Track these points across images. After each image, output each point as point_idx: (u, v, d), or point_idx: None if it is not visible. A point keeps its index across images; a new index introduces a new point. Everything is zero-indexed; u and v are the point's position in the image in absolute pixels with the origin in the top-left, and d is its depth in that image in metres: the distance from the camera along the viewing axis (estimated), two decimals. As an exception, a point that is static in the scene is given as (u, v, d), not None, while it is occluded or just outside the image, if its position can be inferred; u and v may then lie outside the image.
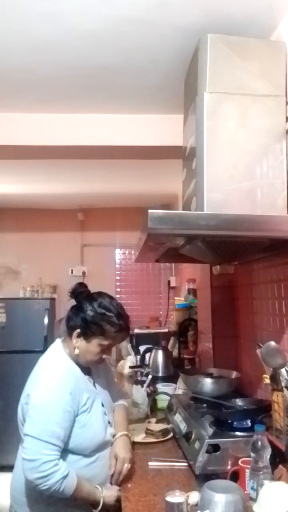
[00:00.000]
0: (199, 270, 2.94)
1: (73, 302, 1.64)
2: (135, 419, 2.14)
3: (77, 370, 1.58)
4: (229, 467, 1.44)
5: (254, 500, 1.24)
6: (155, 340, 3.38)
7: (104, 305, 1.57)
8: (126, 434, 1.67)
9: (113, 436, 1.65)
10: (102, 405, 1.63)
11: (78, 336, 1.56)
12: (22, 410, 1.54)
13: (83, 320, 1.55)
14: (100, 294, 1.62)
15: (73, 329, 1.57)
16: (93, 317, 1.54)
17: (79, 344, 1.56)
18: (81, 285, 1.63)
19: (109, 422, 1.65)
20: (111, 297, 1.62)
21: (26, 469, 1.40)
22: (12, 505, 1.58)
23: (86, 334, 1.55)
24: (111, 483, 1.54)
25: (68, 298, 1.65)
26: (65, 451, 1.48)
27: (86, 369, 1.64)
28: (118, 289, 5.25)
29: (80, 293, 1.61)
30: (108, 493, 1.49)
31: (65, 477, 1.39)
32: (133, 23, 1.75)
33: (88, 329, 1.54)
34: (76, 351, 1.56)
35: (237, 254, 1.71)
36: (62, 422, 1.44)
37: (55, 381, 1.51)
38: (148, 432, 1.96)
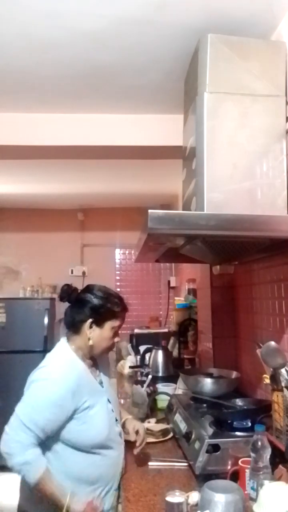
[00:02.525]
0: (199, 270, 2.94)
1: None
2: (135, 419, 2.14)
3: (82, 366, 1.59)
4: (229, 467, 1.44)
5: (254, 500, 1.24)
6: (155, 340, 3.38)
7: (103, 290, 1.65)
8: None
9: (120, 434, 1.66)
10: (109, 401, 1.63)
11: (90, 326, 1.59)
12: None
13: (92, 309, 1.60)
14: (91, 284, 1.68)
15: (83, 322, 1.60)
16: (100, 303, 1.60)
17: (92, 334, 1.59)
18: (68, 286, 1.68)
19: (116, 420, 1.65)
20: (100, 285, 1.70)
21: (1, 439, 1.45)
22: (20, 504, 1.58)
23: (98, 321, 1.59)
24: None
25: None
26: (64, 444, 1.50)
27: (94, 368, 1.66)
28: (118, 289, 5.25)
29: (73, 291, 1.66)
30: (76, 506, 1.42)
31: (25, 463, 1.41)
32: (133, 23, 1.75)
33: (99, 315, 1.59)
34: (90, 342, 1.59)
35: (237, 254, 1.71)
36: (48, 414, 1.45)
37: (57, 373, 1.53)
38: (148, 432, 1.96)
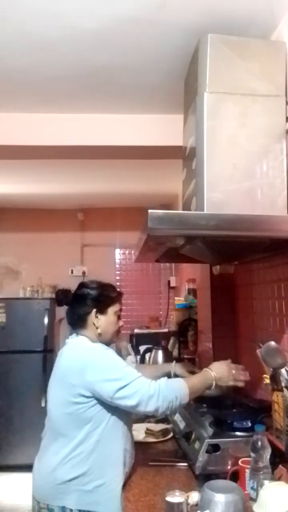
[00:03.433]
0: (199, 270, 2.94)
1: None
2: (135, 419, 2.14)
3: None
4: (229, 467, 1.44)
5: (254, 500, 1.24)
6: (155, 340, 3.38)
7: (96, 282, 1.75)
8: None
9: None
10: None
11: (96, 316, 1.66)
12: (64, 396, 1.54)
13: (93, 299, 1.68)
14: (83, 281, 1.78)
15: (88, 314, 1.67)
16: (98, 293, 1.70)
17: (99, 322, 1.66)
18: (62, 290, 1.75)
19: None
20: (91, 279, 1.81)
21: (145, 409, 1.47)
22: (40, 501, 1.53)
23: (102, 309, 1.68)
24: None
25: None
26: (111, 421, 1.53)
27: None
28: (118, 289, 5.24)
29: (68, 293, 1.74)
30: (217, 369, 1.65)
31: (166, 381, 1.52)
32: (133, 23, 1.75)
33: (101, 303, 1.68)
34: (99, 330, 1.66)
35: (237, 254, 1.71)
36: (127, 365, 1.57)
37: (99, 348, 1.60)
38: (148, 432, 1.96)
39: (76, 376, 1.52)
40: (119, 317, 1.73)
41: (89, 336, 1.65)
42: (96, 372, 1.50)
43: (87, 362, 1.53)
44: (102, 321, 1.67)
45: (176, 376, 1.98)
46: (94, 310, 1.66)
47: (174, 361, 2.06)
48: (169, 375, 1.93)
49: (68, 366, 1.58)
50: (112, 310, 1.70)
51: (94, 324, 1.65)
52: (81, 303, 1.68)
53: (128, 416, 1.60)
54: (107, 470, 1.50)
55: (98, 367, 1.52)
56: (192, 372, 2.02)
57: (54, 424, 1.57)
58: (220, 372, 1.65)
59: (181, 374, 1.96)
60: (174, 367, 1.99)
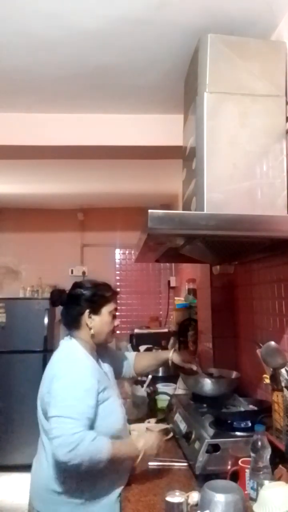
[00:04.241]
0: (199, 270, 2.94)
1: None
2: (135, 419, 2.14)
3: (93, 360, 1.61)
4: (229, 467, 1.44)
5: (254, 500, 1.24)
6: (155, 340, 3.38)
7: (90, 281, 1.72)
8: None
9: (129, 432, 1.67)
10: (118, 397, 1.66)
11: (89, 316, 1.64)
12: (42, 402, 1.54)
13: (87, 300, 1.65)
14: (77, 281, 1.75)
15: (81, 314, 1.64)
16: (92, 293, 1.67)
17: (93, 323, 1.64)
18: (57, 290, 1.73)
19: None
20: (86, 278, 1.77)
21: (55, 448, 1.38)
22: (33, 504, 1.54)
23: (95, 309, 1.65)
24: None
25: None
26: None
27: (100, 360, 1.69)
28: (118, 289, 5.24)
29: (62, 293, 1.71)
30: (145, 442, 1.53)
31: (94, 439, 1.39)
32: (133, 23, 1.75)
33: (95, 303, 1.65)
34: (92, 331, 1.63)
35: (237, 254, 1.71)
36: (89, 401, 1.46)
37: (79, 362, 1.56)
38: (148, 432, 1.96)
39: (46, 384, 1.52)
40: (114, 317, 1.70)
41: (83, 337, 1.63)
42: (56, 385, 1.47)
43: (57, 373, 1.51)
44: (96, 322, 1.64)
45: (173, 364, 1.98)
46: (88, 310, 1.64)
47: (173, 349, 2.03)
48: (166, 363, 1.96)
49: (47, 373, 1.57)
50: (106, 310, 1.67)
51: (87, 325, 1.63)
52: (74, 303, 1.66)
53: (124, 422, 1.58)
54: (100, 480, 1.47)
55: (60, 383, 1.48)
56: (189, 362, 1.99)
57: (43, 429, 1.56)
58: (149, 445, 1.54)
59: (178, 363, 1.96)
60: (172, 355, 1.97)
